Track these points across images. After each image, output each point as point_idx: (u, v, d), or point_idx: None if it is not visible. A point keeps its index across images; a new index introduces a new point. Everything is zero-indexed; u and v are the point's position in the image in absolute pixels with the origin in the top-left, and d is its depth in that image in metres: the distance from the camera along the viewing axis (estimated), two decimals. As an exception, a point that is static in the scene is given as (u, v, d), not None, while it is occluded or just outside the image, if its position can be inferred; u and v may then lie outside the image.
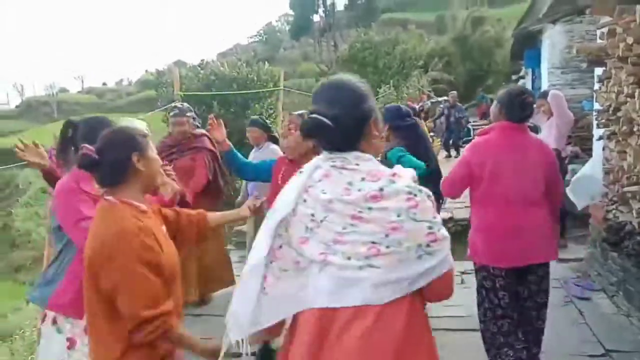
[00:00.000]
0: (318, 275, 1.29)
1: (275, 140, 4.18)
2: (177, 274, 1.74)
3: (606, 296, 4.09)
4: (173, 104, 4.95)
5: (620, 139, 3.75)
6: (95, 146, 1.65)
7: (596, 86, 4.31)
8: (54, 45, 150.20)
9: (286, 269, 1.33)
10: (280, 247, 1.34)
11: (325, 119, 1.30)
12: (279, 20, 63.05)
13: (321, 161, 1.38)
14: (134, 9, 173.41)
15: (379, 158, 1.44)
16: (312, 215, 1.31)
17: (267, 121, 4.64)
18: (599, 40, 4.02)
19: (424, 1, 54.00)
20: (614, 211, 3.98)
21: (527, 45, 9.92)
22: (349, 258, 1.26)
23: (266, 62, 12.52)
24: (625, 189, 3.60)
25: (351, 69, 19.68)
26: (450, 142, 12.20)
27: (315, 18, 50.38)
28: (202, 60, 12.29)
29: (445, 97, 15.88)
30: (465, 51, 22.71)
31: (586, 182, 4.18)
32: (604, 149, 4.17)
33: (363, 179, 1.30)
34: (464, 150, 3.11)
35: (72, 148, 2.19)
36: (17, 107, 52.62)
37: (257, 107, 10.30)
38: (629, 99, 3.46)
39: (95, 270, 1.59)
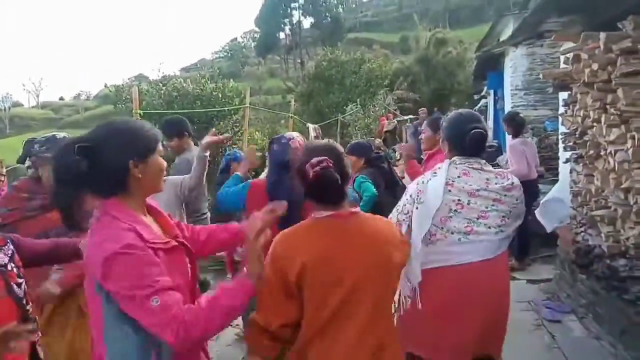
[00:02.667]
0: (459, 243, 2.05)
1: None
2: None
3: (576, 318, 4.08)
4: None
5: (587, 162, 3.79)
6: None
7: (561, 110, 4.38)
8: (7, 56, 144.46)
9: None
10: None
11: (485, 132, 2.12)
12: (244, 36, 63.24)
13: (454, 164, 2.13)
14: (93, 20, 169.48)
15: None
16: (459, 200, 2.06)
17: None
18: (563, 65, 4.09)
19: (388, 22, 55.63)
20: (582, 234, 4.00)
21: (489, 67, 10.20)
22: (489, 227, 2.06)
23: (231, 79, 12.31)
24: (594, 212, 3.62)
25: (318, 87, 19.76)
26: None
27: (281, 35, 50.78)
28: (164, 75, 11.95)
29: (411, 116, 16.12)
30: (429, 71, 23.29)
31: (554, 205, 4.20)
32: (571, 171, 4.21)
33: (496, 177, 2.11)
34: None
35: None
36: (-35, 121, 49.91)
37: (221, 124, 10.03)
38: (595, 124, 3.51)
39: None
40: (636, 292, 3.16)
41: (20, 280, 1.56)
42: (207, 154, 2.98)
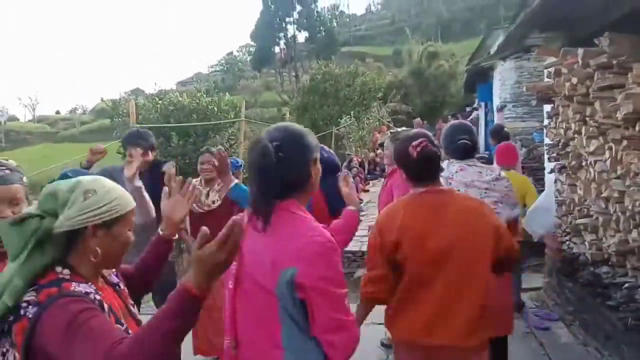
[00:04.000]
0: None
1: None
2: None
3: (564, 325, 4.16)
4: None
5: (570, 172, 3.90)
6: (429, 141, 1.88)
7: (546, 122, 4.51)
8: (3, 70, 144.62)
9: None
10: None
11: (470, 142, 2.56)
12: (240, 50, 63.71)
13: (452, 163, 2.54)
14: (89, 33, 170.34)
15: None
16: (457, 190, 2.30)
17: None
18: (546, 79, 4.23)
19: (381, 36, 56.29)
20: (567, 242, 4.10)
21: (479, 80, 10.40)
22: None
23: (227, 93, 12.45)
24: (578, 221, 3.72)
25: (313, 100, 19.95)
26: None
27: (276, 49, 51.20)
28: (161, 89, 12.06)
29: (405, 128, 16.27)
30: (421, 84, 23.62)
31: (541, 214, 4.29)
32: (555, 181, 4.33)
33: (487, 170, 2.58)
34: None
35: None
36: (-40, 136, 49.66)
37: (217, 137, 10.15)
38: (576, 135, 3.64)
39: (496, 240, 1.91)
40: (618, 298, 3.25)
41: (131, 302, 1.43)
42: (139, 184, 2.67)
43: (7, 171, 1.57)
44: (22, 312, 1.11)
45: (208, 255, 1.05)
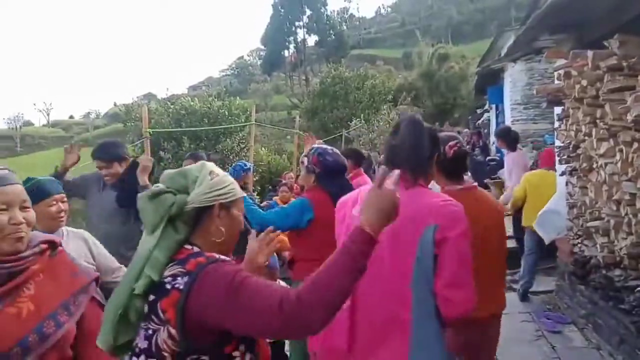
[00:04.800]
0: None
1: None
2: None
3: (577, 329, 4.13)
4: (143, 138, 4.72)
5: (581, 175, 3.88)
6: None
7: (556, 124, 4.49)
8: (18, 76, 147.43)
9: None
10: None
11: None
12: (250, 54, 64.27)
13: None
14: (103, 39, 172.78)
15: None
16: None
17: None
18: (556, 81, 4.22)
19: (391, 39, 56.32)
20: (579, 245, 4.07)
21: (490, 82, 10.35)
22: None
23: (237, 97, 12.57)
24: (589, 223, 3.70)
25: (323, 103, 20.02)
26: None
27: (286, 53, 51.49)
28: (173, 94, 12.23)
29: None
30: (432, 86, 23.52)
31: (552, 216, 4.27)
32: (566, 184, 4.31)
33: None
34: None
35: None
36: (-23, 140, 50.64)
37: (228, 141, 10.25)
38: (586, 138, 3.62)
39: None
40: (631, 301, 3.22)
41: None
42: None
43: (7, 171, 1.43)
44: (168, 286, 1.14)
45: (374, 197, 1.22)
